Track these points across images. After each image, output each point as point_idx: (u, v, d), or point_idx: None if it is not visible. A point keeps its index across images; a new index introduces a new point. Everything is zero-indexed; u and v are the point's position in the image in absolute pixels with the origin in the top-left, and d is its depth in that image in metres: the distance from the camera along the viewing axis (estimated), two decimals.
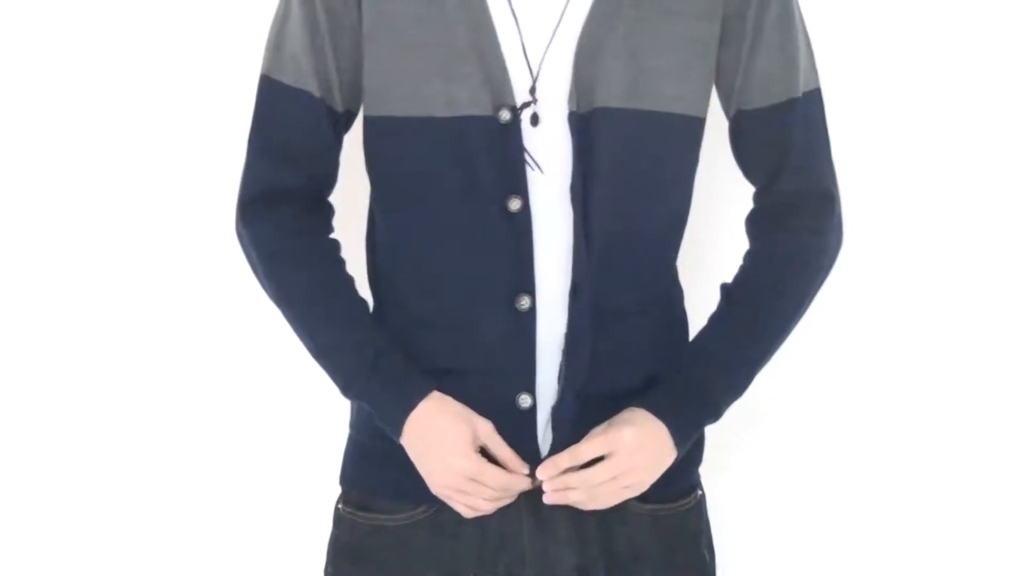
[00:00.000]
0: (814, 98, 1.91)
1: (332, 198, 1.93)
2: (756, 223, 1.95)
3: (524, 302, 1.80)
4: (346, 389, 1.84)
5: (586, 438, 1.81)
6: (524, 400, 1.81)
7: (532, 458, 1.83)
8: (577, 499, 1.82)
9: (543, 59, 1.78)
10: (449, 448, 1.79)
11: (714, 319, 1.92)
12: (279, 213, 1.85)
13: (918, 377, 2.43)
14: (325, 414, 2.13)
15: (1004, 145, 2.39)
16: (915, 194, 2.40)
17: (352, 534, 1.91)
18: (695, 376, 1.87)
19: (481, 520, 1.84)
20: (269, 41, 1.86)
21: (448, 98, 1.77)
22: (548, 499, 1.81)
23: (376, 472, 1.89)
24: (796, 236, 1.92)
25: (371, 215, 1.91)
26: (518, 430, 1.82)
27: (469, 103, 1.77)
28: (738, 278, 1.93)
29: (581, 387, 1.81)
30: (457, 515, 1.84)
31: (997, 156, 2.39)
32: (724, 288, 1.93)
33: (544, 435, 1.84)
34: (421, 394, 1.80)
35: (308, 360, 1.86)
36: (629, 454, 1.80)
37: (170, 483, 2.38)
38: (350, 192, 1.96)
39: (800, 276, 1.92)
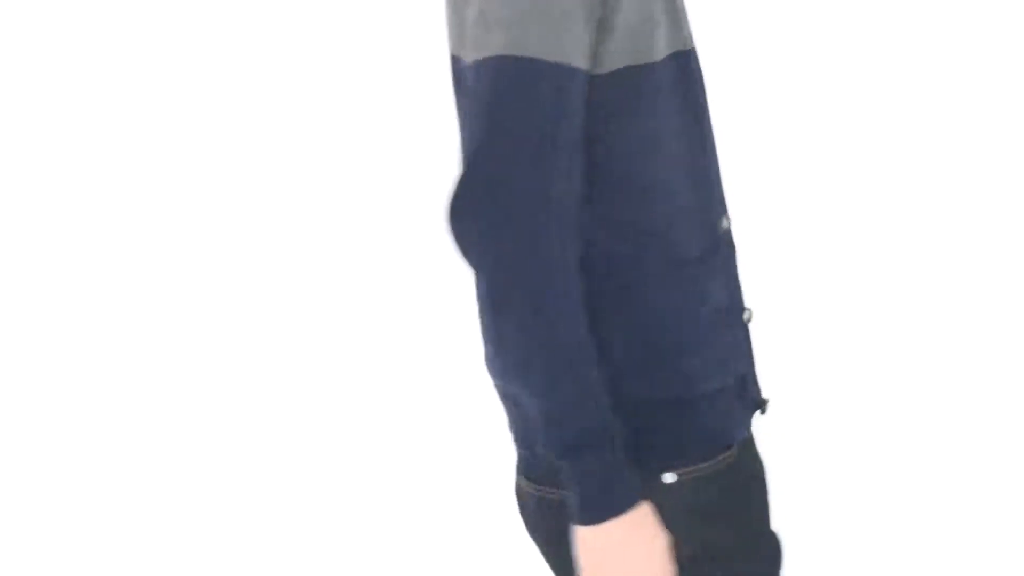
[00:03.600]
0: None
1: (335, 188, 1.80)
2: None
3: (724, 223, 1.87)
4: (564, 448, 1.71)
5: None
6: (747, 314, 1.89)
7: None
8: None
9: None
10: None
11: None
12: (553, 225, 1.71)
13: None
14: (329, 411, 2.14)
15: (1000, 144, 2.43)
16: (881, 195, 2.44)
17: (694, 496, 1.82)
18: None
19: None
20: (519, 17, 1.68)
21: (667, 39, 1.80)
22: None
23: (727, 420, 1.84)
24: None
25: (593, 168, 1.79)
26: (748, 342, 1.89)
27: (673, 41, 1.82)
28: None
29: None
30: None
31: (993, 156, 2.44)
32: None
33: None
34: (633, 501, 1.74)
35: (311, 359, 1.87)
36: None
37: (181, 483, 2.39)
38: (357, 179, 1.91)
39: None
